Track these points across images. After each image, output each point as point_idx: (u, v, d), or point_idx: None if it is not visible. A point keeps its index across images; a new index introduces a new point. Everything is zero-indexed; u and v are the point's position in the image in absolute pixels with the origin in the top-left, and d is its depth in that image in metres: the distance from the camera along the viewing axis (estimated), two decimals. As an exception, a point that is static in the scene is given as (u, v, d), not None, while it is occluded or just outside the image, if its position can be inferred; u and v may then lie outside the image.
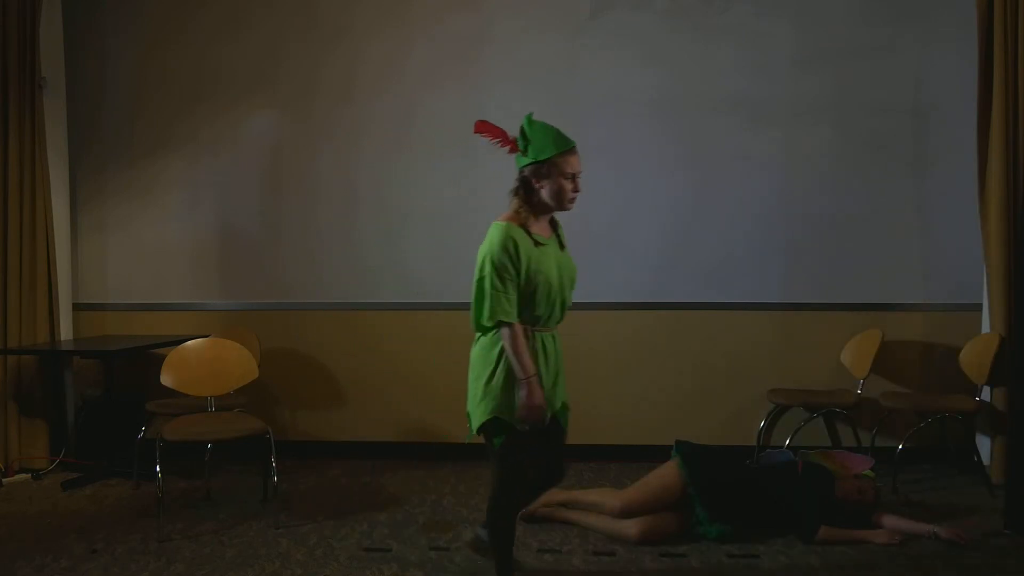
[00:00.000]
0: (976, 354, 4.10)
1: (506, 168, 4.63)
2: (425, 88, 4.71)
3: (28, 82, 4.49)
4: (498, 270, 2.53)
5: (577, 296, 4.67)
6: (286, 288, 4.80)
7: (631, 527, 3.27)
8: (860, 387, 4.31)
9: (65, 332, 4.71)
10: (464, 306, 5.01)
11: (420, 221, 4.73)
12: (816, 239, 4.54)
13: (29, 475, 4.39)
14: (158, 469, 3.47)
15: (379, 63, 4.75)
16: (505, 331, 2.54)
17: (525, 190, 2.67)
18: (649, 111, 4.61)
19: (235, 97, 4.83)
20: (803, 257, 4.55)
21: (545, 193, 2.65)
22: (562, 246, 2.77)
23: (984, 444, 4.17)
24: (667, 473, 3.38)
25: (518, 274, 2.55)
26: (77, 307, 4.89)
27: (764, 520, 3.38)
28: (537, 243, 2.62)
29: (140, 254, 4.91)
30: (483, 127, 2.73)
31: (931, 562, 3.06)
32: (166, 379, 3.78)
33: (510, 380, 2.57)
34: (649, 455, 4.03)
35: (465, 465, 4.53)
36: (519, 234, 2.58)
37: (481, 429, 2.65)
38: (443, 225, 4.70)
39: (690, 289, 4.61)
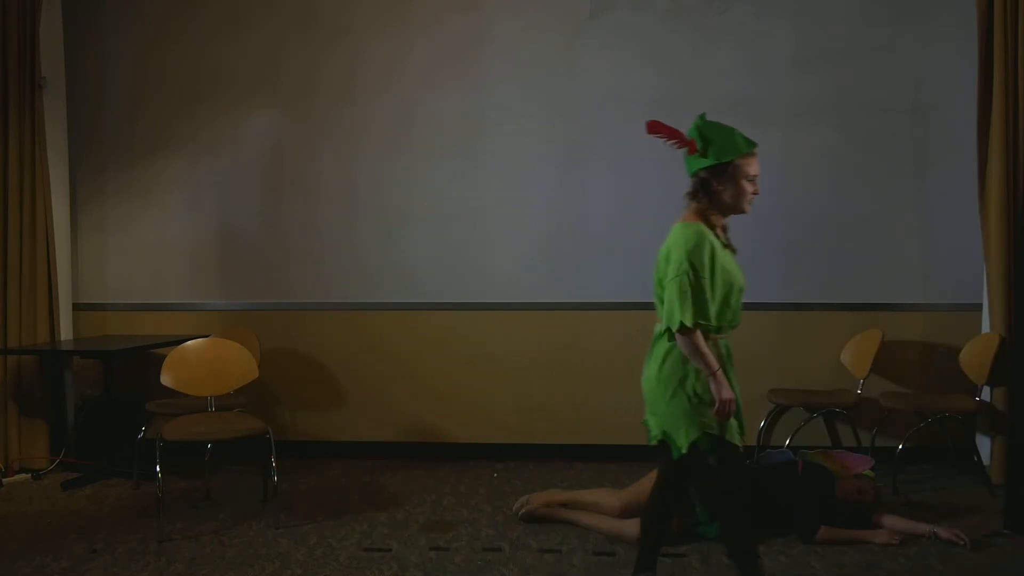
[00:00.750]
0: (976, 354, 4.10)
1: (506, 168, 4.68)
2: (425, 88, 4.71)
3: (28, 82, 4.49)
4: (697, 270, 2.44)
5: (577, 296, 4.73)
6: (286, 288, 4.80)
7: (631, 527, 3.26)
8: (860, 387, 4.30)
9: (65, 332, 4.71)
10: (462, 306, 5.04)
11: (420, 221, 4.73)
12: (816, 239, 4.54)
13: (29, 475, 4.39)
14: (158, 469, 3.47)
15: (379, 63, 4.75)
16: (693, 332, 2.43)
17: (705, 192, 2.57)
18: (649, 111, 4.56)
19: (235, 97, 4.83)
20: (803, 257, 4.54)
21: (727, 195, 2.56)
22: (733, 250, 2.67)
23: (984, 444, 4.17)
24: (667, 473, 3.38)
25: (712, 276, 2.48)
26: (77, 307, 4.89)
27: (764, 520, 3.37)
28: (724, 245, 2.57)
29: (140, 254, 4.91)
30: (657, 127, 2.64)
31: (931, 562, 3.06)
32: (166, 379, 3.78)
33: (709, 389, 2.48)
34: (649, 455, 4.02)
35: (465, 465, 4.53)
36: (711, 235, 2.51)
37: (691, 447, 2.52)
38: (443, 225, 4.71)
39: (690, 289, 4.60)
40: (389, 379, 4.75)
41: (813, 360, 4.53)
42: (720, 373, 2.49)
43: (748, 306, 4.51)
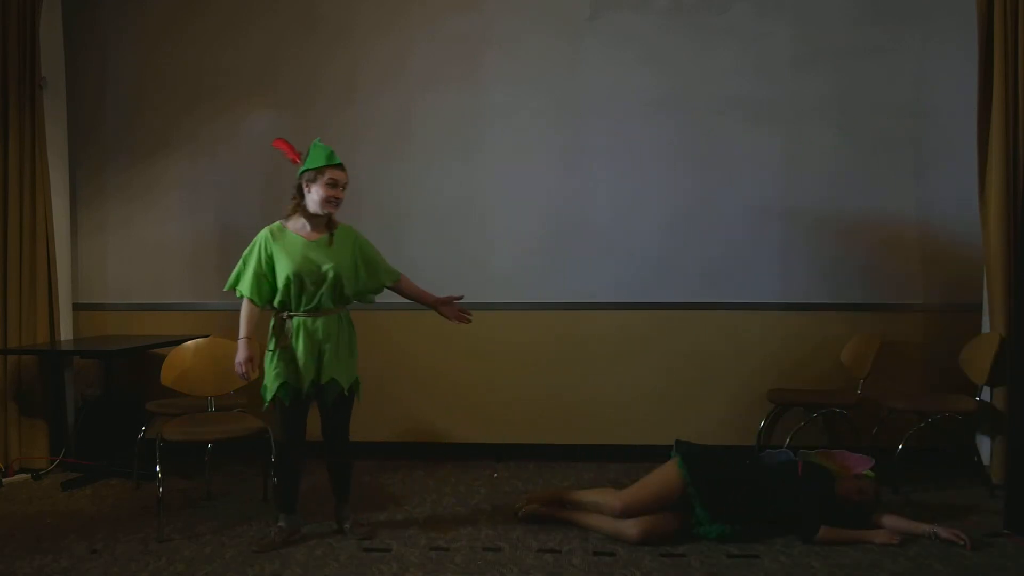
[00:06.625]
0: (976, 354, 4.10)
1: (506, 168, 4.68)
2: (425, 88, 4.71)
3: (28, 82, 4.49)
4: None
5: (577, 295, 4.73)
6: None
7: (631, 527, 3.27)
8: (860, 387, 4.30)
9: (65, 332, 4.71)
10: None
11: (420, 220, 4.73)
12: (816, 239, 4.54)
13: (29, 475, 4.39)
14: (158, 469, 3.48)
15: (380, 63, 4.75)
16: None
17: (298, 193, 3.31)
18: (649, 111, 4.62)
19: (235, 97, 4.83)
20: (803, 257, 4.55)
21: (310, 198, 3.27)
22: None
23: (984, 444, 4.17)
24: (667, 473, 3.38)
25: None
26: (77, 307, 4.89)
27: (764, 520, 3.37)
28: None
29: (140, 254, 4.91)
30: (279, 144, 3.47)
31: (931, 562, 3.06)
32: (166, 379, 3.79)
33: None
34: (649, 455, 4.03)
35: (465, 465, 4.53)
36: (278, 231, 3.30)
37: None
38: (443, 225, 4.71)
39: (690, 289, 4.61)
40: (389, 379, 4.75)
41: (813, 360, 4.53)
42: (242, 341, 3.26)
43: (748, 306, 4.61)
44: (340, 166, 3.25)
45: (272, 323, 3.26)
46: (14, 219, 4.49)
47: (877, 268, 4.52)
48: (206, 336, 4.15)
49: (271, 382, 3.23)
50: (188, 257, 4.88)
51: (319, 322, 3.23)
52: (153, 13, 4.88)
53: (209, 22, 4.84)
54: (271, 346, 3.24)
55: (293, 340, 3.22)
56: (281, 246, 3.23)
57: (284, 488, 3.35)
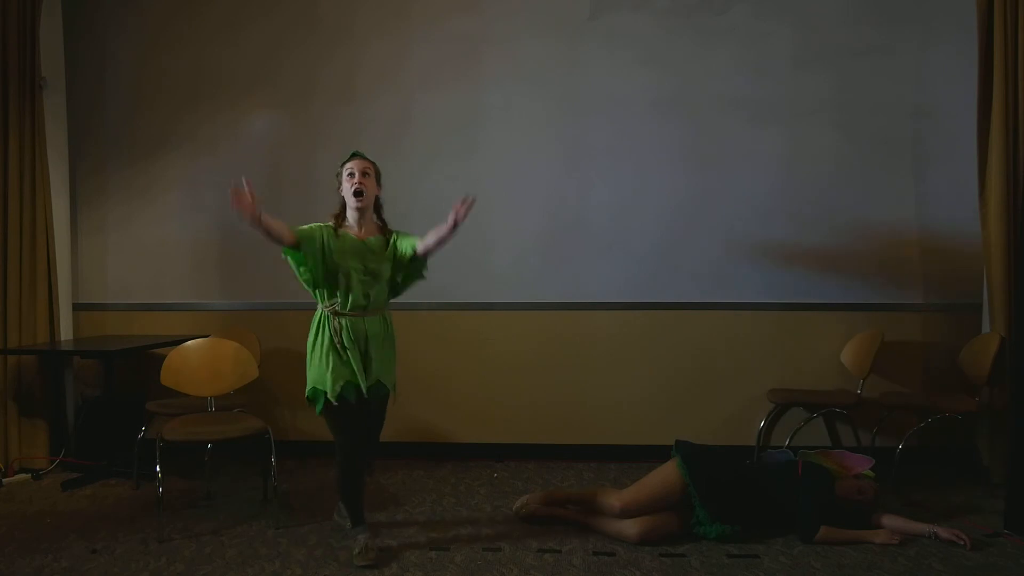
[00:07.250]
0: (976, 354, 4.10)
1: (506, 168, 4.68)
2: (425, 88, 4.71)
3: (28, 82, 4.49)
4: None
5: (577, 295, 4.73)
6: (286, 288, 4.78)
7: (631, 527, 3.27)
8: (860, 387, 4.30)
9: (65, 332, 4.71)
10: (462, 305, 5.05)
11: (419, 221, 4.70)
12: (816, 239, 4.54)
13: (29, 475, 4.39)
14: (158, 469, 3.48)
15: (379, 63, 4.75)
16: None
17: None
18: (649, 111, 4.62)
19: (235, 97, 4.83)
20: (803, 257, 4.55)
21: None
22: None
23: (984, 444, 4.17)
24: (667, 473, 3.38)
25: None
26: (77, 307, 4.89)
27: (764, 520, 3.38)
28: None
29: (140, 254, 4.91)
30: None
31: (931, 562, 3.07)
32: (166, 379, 3.79)
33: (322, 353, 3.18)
34: (649, 455, 4.03)
35: (465, 465, 4.54)
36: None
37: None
38: (442, 224, 4.70)
39: (690, 289, 4.61)
40: (389, 379, 4.74)
41: (813, 360, 4.54)
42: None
43: (748, 306, 4.62)
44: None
45: (317, 321, 3.24)
46: (14, 219, 4.49)
47: (877, 268, 4.52)
48: (206, 336, 4.15)
49: (331, 384, 3.13)
50: (188, 257, 4.88)
51: (365, 322, 3.22)
52: (152, 13, 4.88)
53: (208, 21, 4.85)
54: (317, 344, 3.19)
55: (343, 338, 3.17)
56: (339, 241, 3.24)
57: (357, 495, 3.28)
